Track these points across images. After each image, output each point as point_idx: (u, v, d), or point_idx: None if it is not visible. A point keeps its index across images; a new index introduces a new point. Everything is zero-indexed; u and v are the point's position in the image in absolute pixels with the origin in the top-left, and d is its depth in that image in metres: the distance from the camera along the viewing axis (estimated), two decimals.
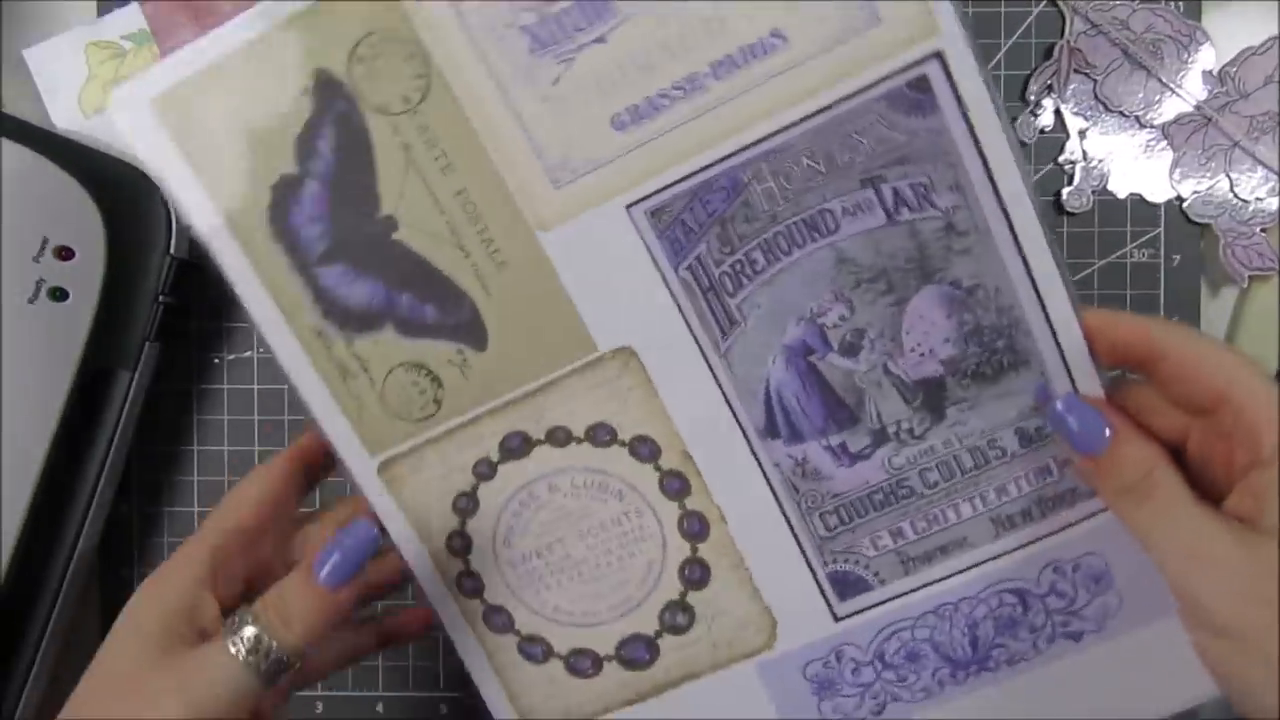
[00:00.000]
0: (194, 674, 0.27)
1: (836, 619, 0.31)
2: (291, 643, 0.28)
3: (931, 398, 0.29)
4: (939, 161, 0.27)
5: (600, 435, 0.30)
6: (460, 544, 0.32)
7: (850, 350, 0.28)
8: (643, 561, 0.31)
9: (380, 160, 0.28)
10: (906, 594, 0.30)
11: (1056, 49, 0.41)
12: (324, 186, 0.28)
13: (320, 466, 0.33)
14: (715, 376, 0.29)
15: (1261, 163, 0.40)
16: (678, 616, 0.31)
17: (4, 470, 0.36)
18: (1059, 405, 0.27)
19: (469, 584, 0.32)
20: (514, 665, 0.32)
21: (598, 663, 0.32)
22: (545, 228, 0.28)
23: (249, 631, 0.28)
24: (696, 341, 0.29)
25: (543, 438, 0.30)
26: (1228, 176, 0.41)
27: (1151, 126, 0.41)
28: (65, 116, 0.39)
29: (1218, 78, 0.40)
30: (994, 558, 0.30)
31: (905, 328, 0.28)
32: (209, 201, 0.28)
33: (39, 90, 0.39)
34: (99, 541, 0.41)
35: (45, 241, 0.36)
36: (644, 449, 0.30)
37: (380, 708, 0.40)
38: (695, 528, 0.31)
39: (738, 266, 0.28)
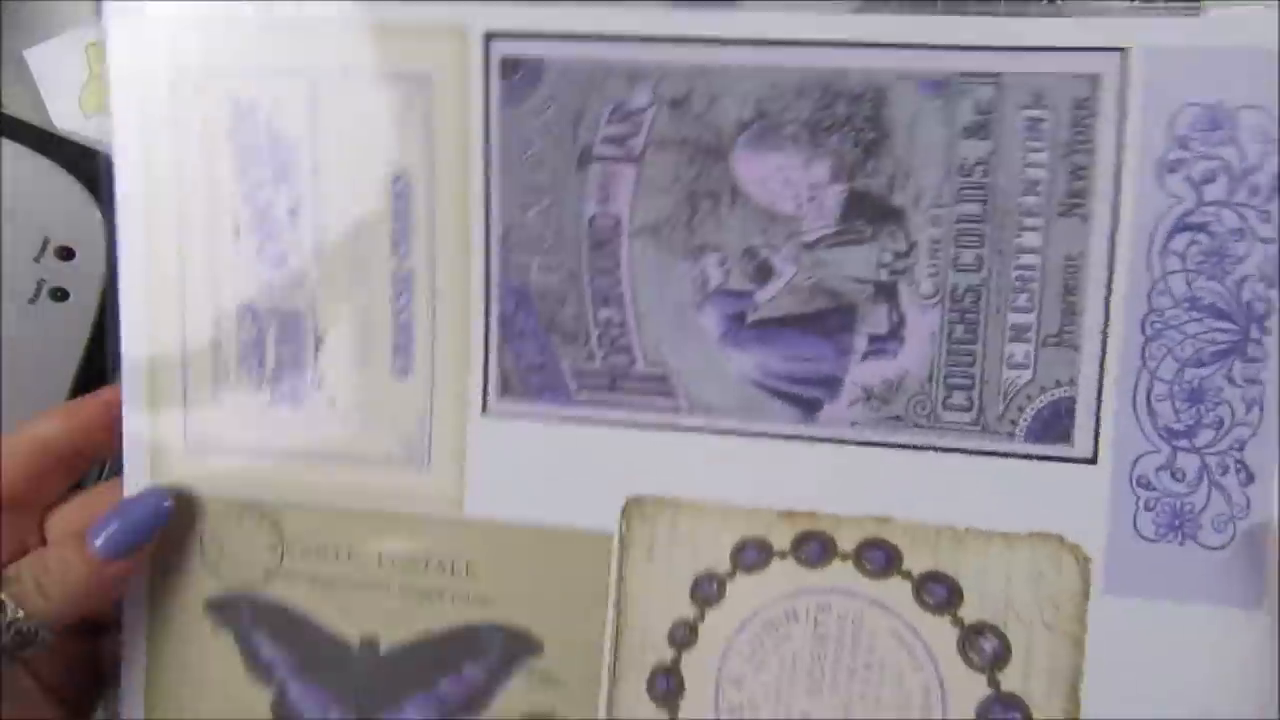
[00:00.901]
0: None
1: None
2: (44, 610, 0.25)
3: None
4: None
5: (874, 558, 0.24)
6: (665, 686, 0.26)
7: (760, 275, 0.25)
8: None
9: None
10: None
11: None
12: None
13: (102, 444, 0.28)
14: None
15: None
16: None
17: None
18: None
19: None
20: None
21: None
22: None
23: None
24: None
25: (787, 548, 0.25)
26: None
27: None
28: (66, 117, 0.39)
29: None
30: None
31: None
32: None
33: (39, 90, 0.39)
34: None
35: (46, 242, 0.36)
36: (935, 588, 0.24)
37: None
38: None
39: None
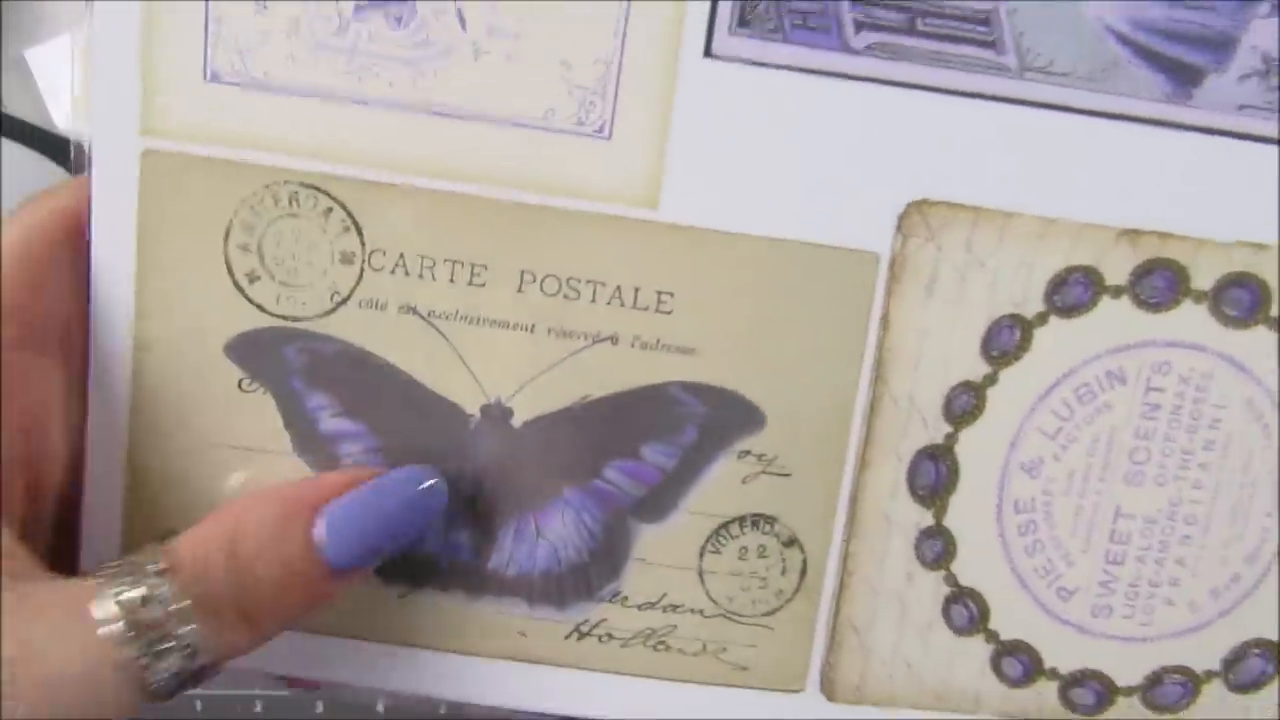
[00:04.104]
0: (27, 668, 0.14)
1: None
2: (236, 645, 0.16)
3: None
4: None
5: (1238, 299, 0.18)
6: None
7: None
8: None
9: None
10: None
11: None
12: None
13: None
14: None
15: None
16: None
17: None
18: None
19: (931, 549, 0.19)
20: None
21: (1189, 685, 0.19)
22: None
23: (146, 616, 0.15)
24: None
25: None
26: None
27: None
28: (67, 117, 0.37)
29: None
30: None
31: None
32: None
33: (39, 90, 0.37)
34: None
35: None
36: None
37: (381, 708, 0.37)
38: None
39: None
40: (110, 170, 0.17)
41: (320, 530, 0.16)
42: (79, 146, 0.17)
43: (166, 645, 0.15)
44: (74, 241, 0.17)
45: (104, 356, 0.18)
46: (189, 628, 0.15)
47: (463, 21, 0.17)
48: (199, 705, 0.33)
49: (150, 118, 0.17)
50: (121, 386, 0.18)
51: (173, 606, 0.15)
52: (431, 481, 0.17)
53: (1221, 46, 0.17)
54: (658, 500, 0.19)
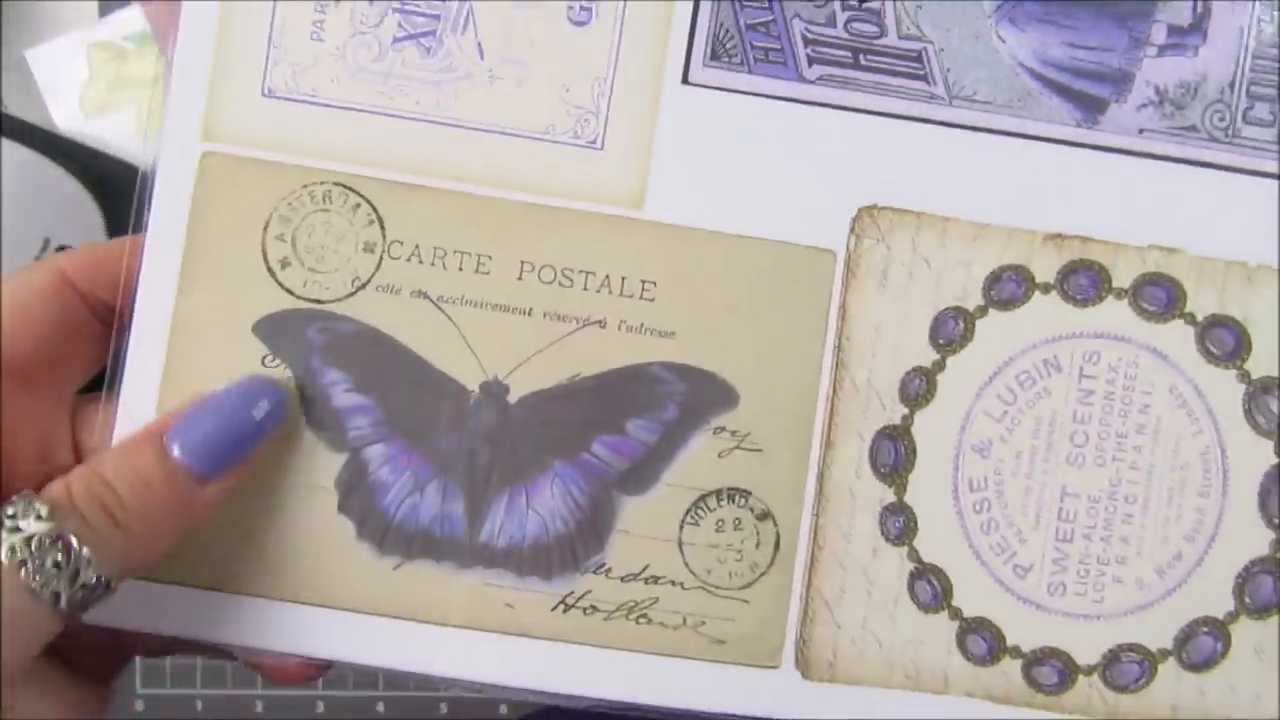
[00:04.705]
0: None
1: None
2: (120, 549, 0.18)
3: None
4: None
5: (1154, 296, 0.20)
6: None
7: None
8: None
9: None
10: None
11: None
12: None
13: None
14: None
15: None
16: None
17: None
18: None
19: (894, 525, 0.20)
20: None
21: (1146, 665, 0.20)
22: None
23: (34, 529, 0.17)
24: None
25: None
26: None
27: None
28: (67, 117, 0.38)
29: None
30: None
31: None
32: None
33: (40, 91, 0.38)
34: None
35: (47, 242, 0.34)
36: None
37: (381, 707, 0.38)
38: None
39: None
40: (174, 169, 0.20)
41: (169, 438, 0.18)
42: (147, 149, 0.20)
43: (61, 561, 0.17)
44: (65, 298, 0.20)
45: (144, 329, 0.20)
46: (76, 545, 0.17)
47: (482, 52, 0.20)
48: (200, 705, 0.32)
49: (212, 125, 0.20)
50: (156, 358, 0.20)
51: (57, 527, 0.17)
52: (267, 406, 0.19)
53: (1120, 81, 0.21)
54: (640, 473, 0.20)
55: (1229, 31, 0.20)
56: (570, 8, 0.20)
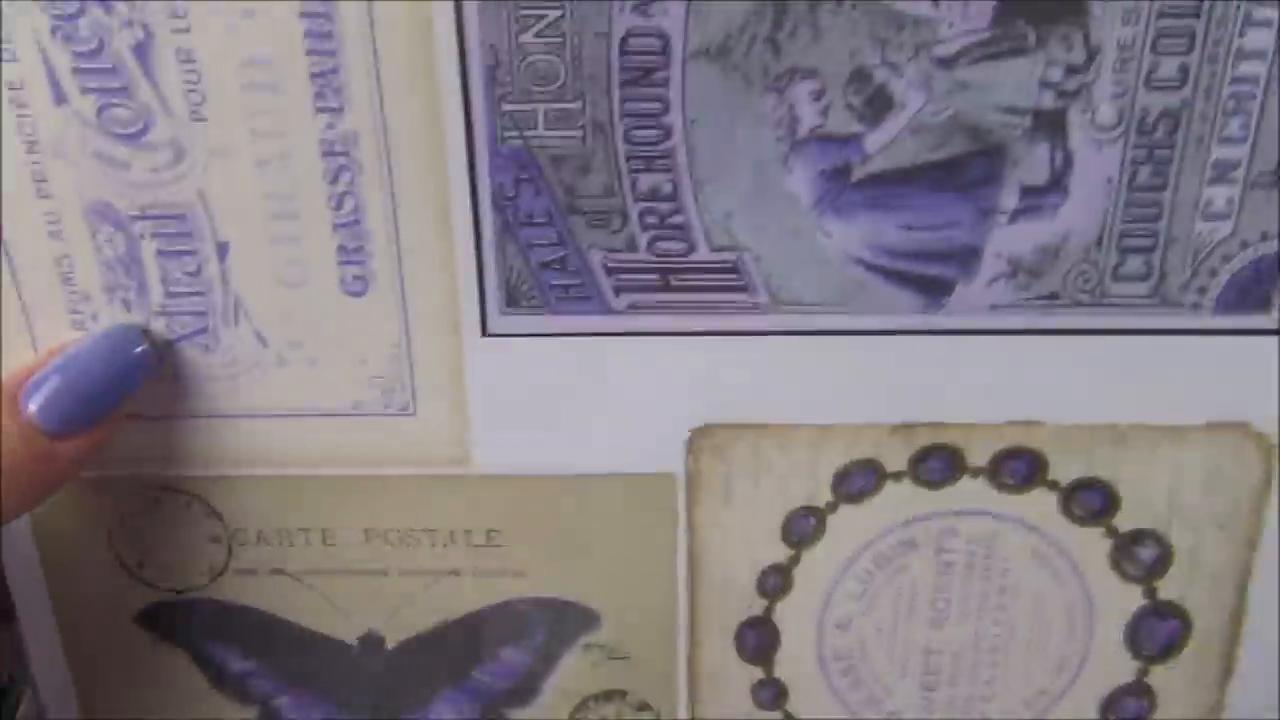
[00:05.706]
0: None
1: None
2: None
3: None
4: None
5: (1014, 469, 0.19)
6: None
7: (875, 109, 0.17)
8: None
9: None
10: None
11: None
12: None
13: None
14: None
15: None
16: None
17: None
18: None
19: (766, 695, 0.22)
20: None
21: None
22: None
23: None
24: None
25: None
26: None
27: None
28: None
29: None
30: None
31: None
32: None
33: None
34: None
35: None
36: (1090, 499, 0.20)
37: None
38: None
39: None
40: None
41: (24, 395, 0.17)
42: None
43: None
44: None
45: (36, 643, 0.21)
46: None
47: (264, 340, 0.19)
48: None
49: None
50: (58, 663, 0.21)
51: None
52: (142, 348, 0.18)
53: (966, 257, 0.18)
54: (522, 690, 0.22)
55: (1095, 183, 0.17)
56: (342, 280, 0.18)
